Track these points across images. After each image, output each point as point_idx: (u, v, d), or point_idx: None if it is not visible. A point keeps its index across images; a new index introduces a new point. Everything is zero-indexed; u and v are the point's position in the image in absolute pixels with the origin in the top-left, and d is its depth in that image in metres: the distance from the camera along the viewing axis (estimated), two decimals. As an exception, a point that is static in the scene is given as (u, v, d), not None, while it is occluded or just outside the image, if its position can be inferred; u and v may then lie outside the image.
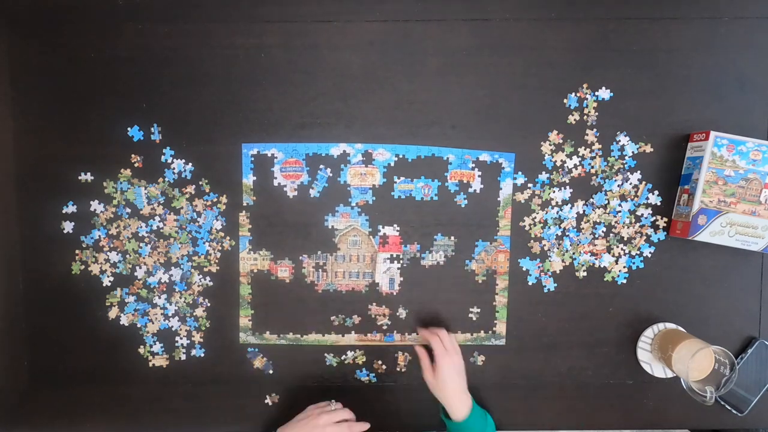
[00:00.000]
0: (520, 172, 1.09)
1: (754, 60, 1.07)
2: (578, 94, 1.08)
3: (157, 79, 1.07)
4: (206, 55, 1.07)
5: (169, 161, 1.08)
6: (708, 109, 1.08)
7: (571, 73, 1.07)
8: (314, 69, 1.07)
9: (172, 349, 1.12)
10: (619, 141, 1.08)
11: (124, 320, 1.11)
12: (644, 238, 1.10)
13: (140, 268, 1.10)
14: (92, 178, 1.08)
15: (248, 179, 1.09)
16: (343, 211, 1.10)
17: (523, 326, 1.12)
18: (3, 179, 1.08)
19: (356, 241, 1.10)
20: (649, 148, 1.08)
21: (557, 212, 1.10)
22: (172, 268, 1.10)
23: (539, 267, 1.11)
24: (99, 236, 1.09)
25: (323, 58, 1.07)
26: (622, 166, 1.09)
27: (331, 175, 1.09)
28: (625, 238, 1.10)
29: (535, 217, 1.10)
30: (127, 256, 1.10)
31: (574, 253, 1.11)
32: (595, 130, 1.08)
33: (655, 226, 1.10)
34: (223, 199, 1.09)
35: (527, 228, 1.10)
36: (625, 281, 1.11)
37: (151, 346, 1.11)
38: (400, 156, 1.09)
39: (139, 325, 1.11)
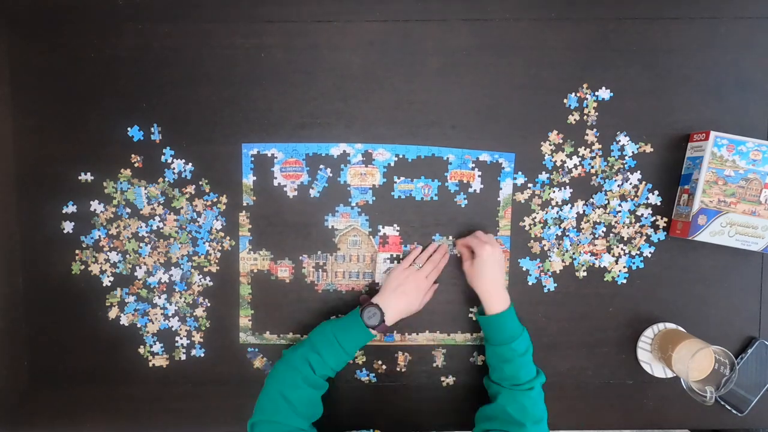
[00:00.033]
0: (520, 172, 1.09)
1: (754, 60, 1.07)
2: (578, 94, 1.08)
3: (157, 79, 1.07)
4: (206, 55, 1.07)
5: (169, 161, 1.08)
6: (708, 109, 1.08)
7: (571, 73, 1.07)
8: (314, 69, 1.07)
9: (172, 349, 1.12)
10: (619, 141, 1.08)
11: (124, 320, 1.11)
12: (644, 238, 1.10)
13: (140, 268, 1.10)
14: (92, 178, 1.08)
15: (248, 179, 1.09)
16: (343, 211, 1.10)
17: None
18: (3, 179, 1.08)
19: (356, 241, 1.10)
20: (649, 148, 1.09)
21: (557, 212, 1.10)
22: (172, 268, 1.10)
23: (539, 267, 1.11)
24: (99, 236, 1.09)
25: (323, 58, 1.07)
26: (622, 166, 1.09)
27: (331, 175, 1.09)
28: (625, 238, 1.10)
29: (535, 217, 1.10)
30: (127, 256, 1.10)
31: (574, 253, 1.11)
32: (595, 130, 1.08)
33: (655, 226, 1.10)
34: (223, 199, 1.09)
35: (527, 228, 1.10)
36: (625, 281, 1.11)
37: (151, 346, 1.11)
38: (400, 156, 1.09)
39: (139, 325, 1.11)
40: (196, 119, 1.08)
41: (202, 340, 1.11)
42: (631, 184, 1.09)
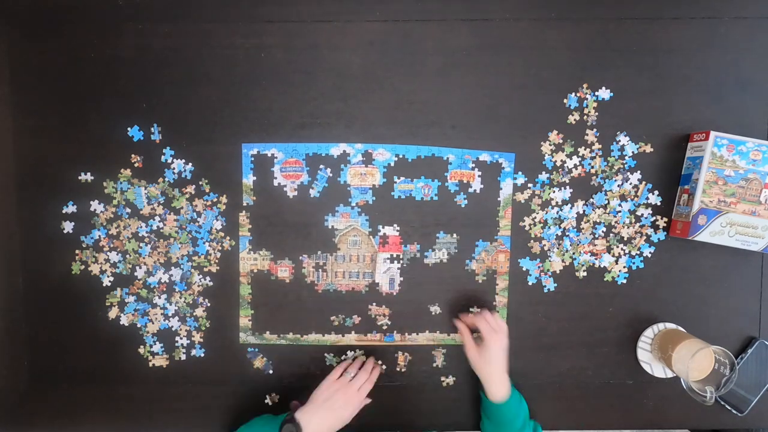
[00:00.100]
0: (520, 172, 1.09)
1: (754, 60, 1.07)
2: (578, 94, 1.08)
3: (157, 79, 1.07)
4: (206, 55, 1.07)
5: (169, 161, 1.08)
6: (708, 109, 1.08)
7: (571, 73, 1.07)
8: (314, 69, 1.07)
9: (172, 349, 1.12)
10: (619, 141, 1.08)
11: (124, 320, 1.11)
12: (644, 238, 1.10)
13: (140, 268, 1.10)
14: (92, 178, 1.08)
15: (248, 179, 1.09)
16: (343, 211, 1.10)
17: (523, 326, 1.11)
18: (3, 179, 1.08)
19: (356, 241, 1.10)
20: (649, 148, 1.09)
21: (557, 212, 1.10)
22: (172, 268, 1.10)
23: (539, 267, 1.11)
24: (99, 236, 1.09)
25: (323, 58, 1.07)
26: (622, 166, 1.09)
27: (331, 175, 1.09)
28: (625, 238, 1.10)
29: (535, 217, 1.10)
30: (127, 256, 1.10)
31: (574, 253, 1.11)
32: (595, 130, 1.08)
33: (655, 226, 1.10)
34: (223, 199, 1.09)
35: (527, 228, 1.10)
36: (625, 281, 1.11)
37: (151, 346, 1.11)
38: (400, 156, 1.09)
39: (139, 325, 1.11)
40: (196, 119, 1.08)
41: (202, 340, 1.11)
42: (631, 184, 1.09)
